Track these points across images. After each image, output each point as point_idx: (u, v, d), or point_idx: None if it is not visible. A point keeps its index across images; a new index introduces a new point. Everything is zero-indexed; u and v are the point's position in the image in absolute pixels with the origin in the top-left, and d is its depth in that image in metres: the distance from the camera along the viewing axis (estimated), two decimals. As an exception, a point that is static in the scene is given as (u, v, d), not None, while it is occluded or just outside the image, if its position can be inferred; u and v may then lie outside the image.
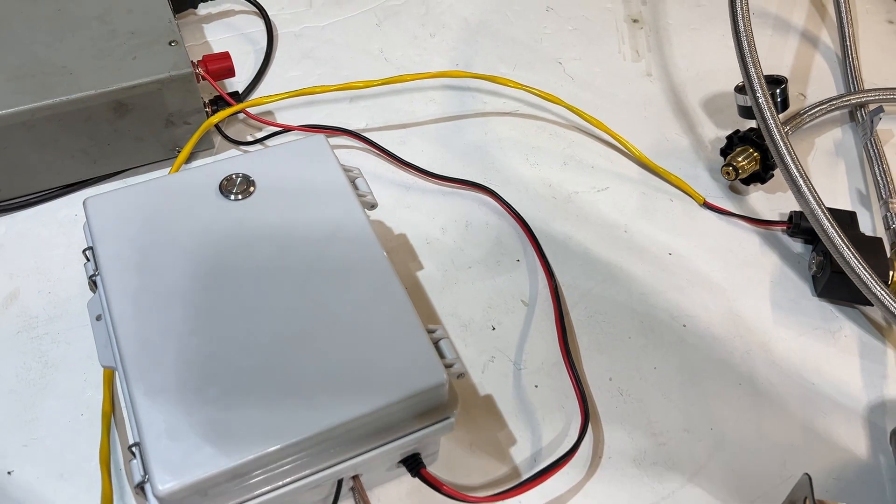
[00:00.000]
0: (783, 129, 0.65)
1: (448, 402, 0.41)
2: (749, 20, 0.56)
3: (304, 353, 0.40)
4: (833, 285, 0.56)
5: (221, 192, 0.47)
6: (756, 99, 0.54)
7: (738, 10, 0.56)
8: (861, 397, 0.53)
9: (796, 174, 0.53)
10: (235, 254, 0.44)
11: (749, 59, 0.54)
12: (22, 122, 0.55)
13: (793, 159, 0.53)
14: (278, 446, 0.37)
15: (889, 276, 0.56)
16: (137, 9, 0.62)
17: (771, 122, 0.54)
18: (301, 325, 0.41)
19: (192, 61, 0.59)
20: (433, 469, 0.47)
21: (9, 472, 0.47)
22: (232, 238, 0.45)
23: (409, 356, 0.41)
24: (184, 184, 0.48)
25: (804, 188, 0.53)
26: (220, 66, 0.61)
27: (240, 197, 0.47)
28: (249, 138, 0.66)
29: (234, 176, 0.47)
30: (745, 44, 0.55)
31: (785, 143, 0.53)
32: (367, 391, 0.39)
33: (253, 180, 0.48)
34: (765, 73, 0.65)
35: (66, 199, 0.61)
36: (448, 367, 0.42)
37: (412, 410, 0.40)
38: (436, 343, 0.44)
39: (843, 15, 0.80)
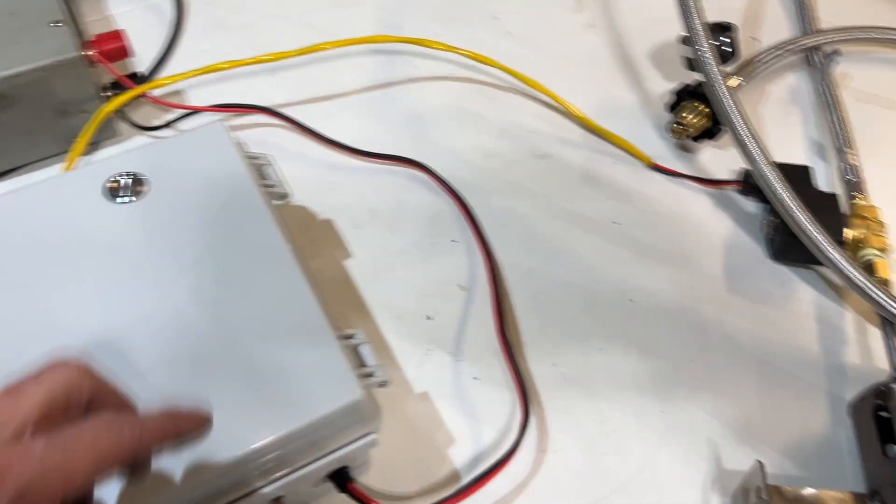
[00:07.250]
0: (733, 82, 0.61)
1: (367, 416, 0.38)
2: (688, -35, 0.51)
3: (202, 375, 0.36)
4: (789, 248, 0.53)
5: (110, 194, 0.42)
6: (698, 53, 0.50)
7: (677, -47, 0.51)
8: (819, 365, 0.51)
9: (743, 133, 0.49)
10: (124, 263, 0.40)
11: (692, 9, 0.50)
12: None
13: (740, 117, 0.49)
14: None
15: (844, 233, 0.52)
16: (16, -15, 0.55)
17: (715, 77, 0.49)
18: (197, 343, 0.37)
19: (81, 43, 0.53)
20: (365, 478, 0.44)
21: None
22: (120, 245, 0.40)
23: (319, 372, 0.37)
24: (66, 187, 0.43)
25: (751, 147, 0.49)
26: (113, 46, 0.55)
27: (129, 199, 0.42)
28: (157, 122, 0.60)
29: (121, 176, 0.43)
30: (684, -8, 0.50)
31: (731, 101, 0.49)
32: (273, 415, 0.35)
33: (144, 179, 0.43)
34: (712, 20, 0.61)
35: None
36: (367, 376, 0.39)
37: (327, 430, 0.36)
38: (354, 349, 0.40)
39: (796, -52, 0.75)
